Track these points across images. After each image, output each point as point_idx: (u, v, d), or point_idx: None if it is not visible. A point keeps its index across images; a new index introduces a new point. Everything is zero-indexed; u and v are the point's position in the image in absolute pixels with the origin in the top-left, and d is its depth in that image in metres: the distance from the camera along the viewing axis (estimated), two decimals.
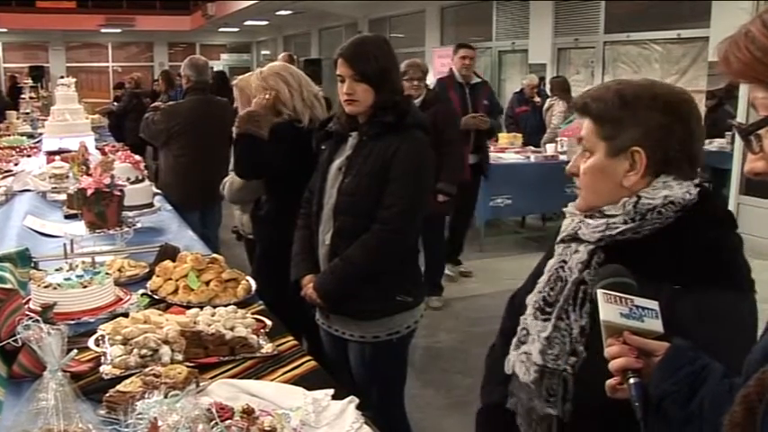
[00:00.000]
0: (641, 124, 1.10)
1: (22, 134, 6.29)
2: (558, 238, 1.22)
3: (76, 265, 2.09)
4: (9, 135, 6.11)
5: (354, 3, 11.69)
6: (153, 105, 4.99)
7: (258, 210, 2.78)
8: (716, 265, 1.06)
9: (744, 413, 0.71)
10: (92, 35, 18.62)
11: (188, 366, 1.56)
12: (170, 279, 2.18)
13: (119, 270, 2.35)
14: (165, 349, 1.64)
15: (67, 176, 3.66)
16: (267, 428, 1.30)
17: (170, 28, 18.56)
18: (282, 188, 2.59)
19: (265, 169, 2.60)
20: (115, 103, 9.33)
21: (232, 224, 3.37)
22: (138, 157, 3.33)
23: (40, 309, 1.75)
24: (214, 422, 1.22)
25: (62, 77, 6.38)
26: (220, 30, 18.22)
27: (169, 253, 2.38)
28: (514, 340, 1.22)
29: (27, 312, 1.61)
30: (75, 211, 2.95)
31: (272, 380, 1.63)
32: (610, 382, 0.96)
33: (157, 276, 2.22)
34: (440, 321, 4.30)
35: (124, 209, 2.51)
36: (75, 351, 1.42)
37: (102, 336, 1.75)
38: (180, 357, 1.64)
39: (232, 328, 1.77)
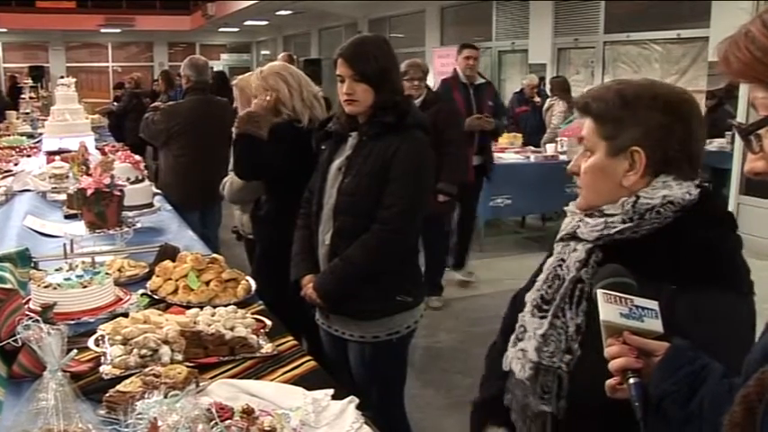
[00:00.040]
0: (641, 124, 1.10)
1: (21, 134, 6.29)
2: (558, 237, 1.23)
3: (76, 265, 2.09)
4: (9, 135, 6.11)
5: (354, 3, 11.70)
6: (153, 105, 4.99)
7: (258, 210, 2.78)
8: (713, 266, 1.06)
9: (743, 413, 0.71)
10: (92, 35, 18.62)
11: (188, 366, 1.56)
12: (170, 279, 2.18)
13: (119, 270, 2.35)
14: (165, 349, 1.64)
15: (67, 176, 3.66)
16: (267, 428, 1.30)
17: (170, 28, 18.56)
18: (282, 188, 2.59)
19: (265, 170, 2.60)
20: (115, 103, 9.33)
21: (232, 224, 3.37)
22: (137, 157, 3.33)
23: (39, 309, 1.75)
24: (214, 422, 1.22)
25: (62, 77, 6.38)
26: (220, 30, 18.22)
27: (169, 253, 2.38)
28: (512, 337, 1.23)
29: (27, 312, 1.61)
30: (75, 211, 2.95)
31: (271, 380, 1.63)
32: (610, 382, 0.96)
33: (157, 276, 2.22)
34: (440, 321, 4.30)
35: (124, 209, 2.51)
36: (75, 351, 1.42)
37: (102, 336, 1.75)
38: (180, 357, 1.64)
39: (232, 328, 1.77)
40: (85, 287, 1.95)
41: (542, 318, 1.17)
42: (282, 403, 1.45)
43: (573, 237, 1.18)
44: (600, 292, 0.98)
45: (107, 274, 2.08)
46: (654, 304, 0.97)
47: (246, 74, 3.25)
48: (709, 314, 1.03)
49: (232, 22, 16.07)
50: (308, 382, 1.60)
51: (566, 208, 1.23)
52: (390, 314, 2.07)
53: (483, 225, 5.86)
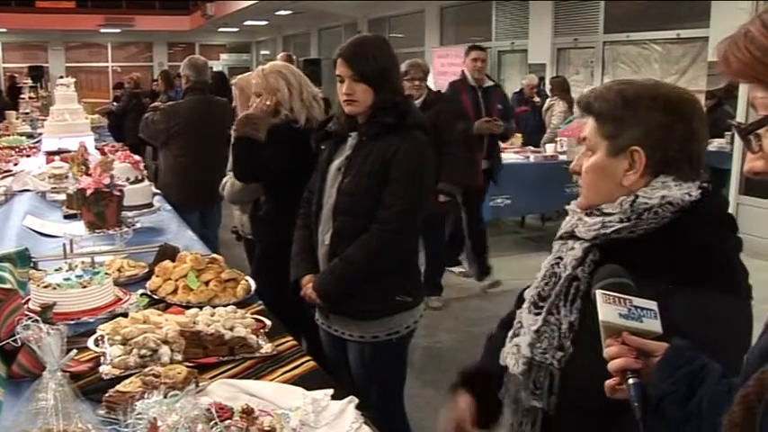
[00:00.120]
0: (642, 124, 1.10)
1: (21, 134, 6.29)
2: (557, 235, 1.24)
3: (76, 266, 2.09)
4: (8, 135, 6.11)
5: (354, 3, 11.70)
6: (152, 105, 5.00)
7: (257, 210, 2.78)
8: (709, 266, 1.06)
9: (743, 413, 0.71)
10: (91, 35, 18.62)
11: (187, 366, 1.56)
12: (169, 279, 2.18)
13: (118, 270, 2.35)
14: (165, 349, 1.64)
15: (67, 176, 3.66)
16: (266, 428, 1.30)
17: (169, 28, 18.56)
18: (281, 189, 2.59)
19: (263, 172, 2.61)
20: (114, 103, 9.33)
21: (231, 224, 3.37)
22: (137, 157, 3.33)
23: (39, 309, 1.75)
24: (213, 422, 1.22)
25: (61, 77, 6.38)
26: (220, 30, 18.22)
27: (168, 253, 2.38)
28: (510, 333, 1.24)
29: (26, 312, 1.61)
30: (74, 212, 2.95)
31: (271, 380, 1.63)
32: (609, 382, 0.96)
33: (157, 276, 2.22)
34: (440, 321, 4.30)
35: (123, 209, 2.51)
36: (75, 351, 1.42)
37: (102, 336, 1.75)
38: (179, 357, 1.64)
39: (231, 328, 1.77)
40: (85, 287, 1.95)
41: (537, 314, 1.18)
42: (282, 403, 1.46)
43: (571, 235, 1.19)
44: (599, 293, 0.98)
45: (106, 274, 2.08)
46: (653, 305, 0.97)
47: (246, 73, 3.26)
48: (705, 315, 1.03)
49: (231, 22, 16.07)
50: (307, 382, 1.60)
51: (567, 207, 1.24)
52: (390, 314, 2.07)
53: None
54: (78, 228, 2.48)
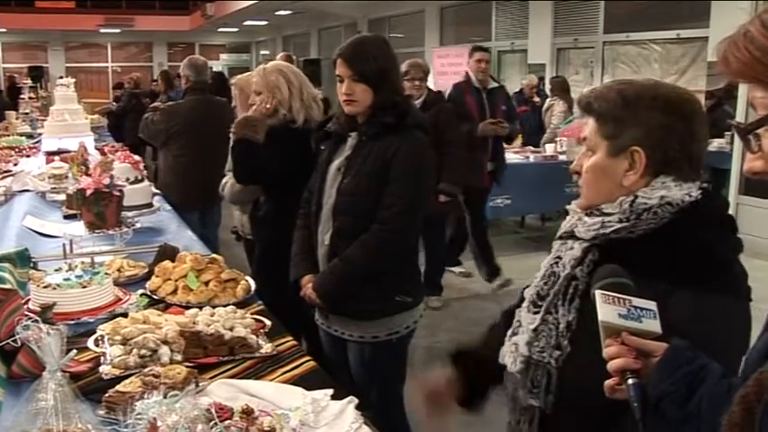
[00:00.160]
0: (642, 124, 1.10)
1: (21, 134, 6.29)
2: (557, 235, 1.24)
3: (76, 266, 2.09)
4: (8, 135, 6.11)
5: (354, 3, 11.70)
6: (152, 105, 4.99)
7: (257, 211, 2.78)
8: (708, 266, 1.06)
9: (742, 413, 0.71)
10: (91, 35, 18.61)
11: (187, 366, 1.56)
12: (169, 279, 2.18)
13: (118, 270, 2.35)
14: (165, 349, 1.64)
15: (67, 177, 3.66)
16: (266, 429, 1.30)
17: (169, 28, 18.56)
18: (281, 189, 2.59)
19: (262, 175, 2.61)
20: (114, 104, 9.33)
21: (231, 224, 3.36)
22: (137, 158, 3.33)
23: (39, 309, 1.75)
24: (213, 422, 1.22)
25: (61, 78, 6.38)
26: (219, 30, 18.22)
27: (168, 253, 2.38)
28: (509, 332, 1.25)
29: (26, 312, 1.61)
30: (74, 212, 2.95)
31: (271, 380, 1.63)
32: (608, 382, 0.96)
33: (157, 276, 2.22)
34: (439, 321, 4.30)
35: (123, 209, 2.51)
36: (75, 351, 1.42)
37: (102, 336, 1.75)
38: (179, 357, 1.64)
39: (231, 329, 1.77)
40: (85, 287, 1.95)
41: (536, 313, 1.19)
42: (282, 403, 1.46)
43: (571, 235, 1.19)
44: (598, 293, 0.98)
45: (106, 274, 2.08)
46: (652, 305, 0.97)
47: (246, 73, 3.26)
48: (704, 316, 1.03)
49: (231, 22, 16.07)
50: (307, 382, 1.60)
51: (567, 206, 1.24)
52: (390, 314, 2.07)
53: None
54: (78, 228, 2.48)
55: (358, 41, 2.10)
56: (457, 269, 5.22)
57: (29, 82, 8.92)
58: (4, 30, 17.29)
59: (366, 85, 2.00)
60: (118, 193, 2.42)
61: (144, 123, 4.33)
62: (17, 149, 5.29)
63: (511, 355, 1.21)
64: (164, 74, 8.01)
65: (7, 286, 1.84)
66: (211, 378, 1.60)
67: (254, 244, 2.91)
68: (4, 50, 18.94)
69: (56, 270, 2.08)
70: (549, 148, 6.43)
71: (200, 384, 1.51)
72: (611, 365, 0.95)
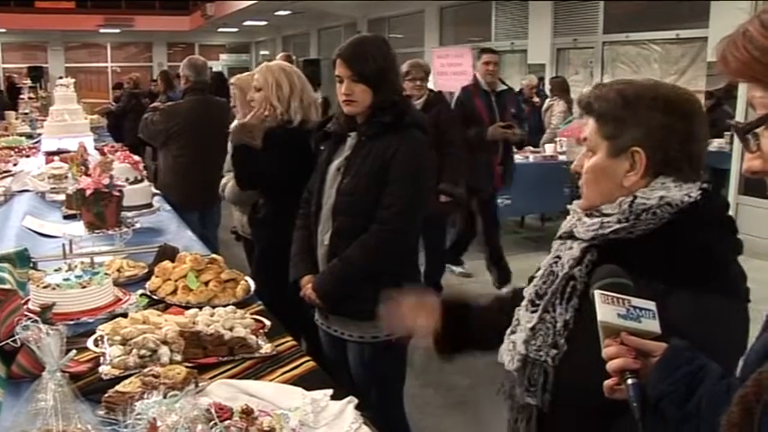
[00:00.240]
0: (642, 124, 1.10)
1: (20, 134, 6.29)
2: (557, 235, 1.24)
3: (75, 266, 2.09)
4: (8, 135, 6.11)
5: (353, 3, 11.70)
6: (152, 106, 4.99)
7: (255, 212, 2.79)
8: (708, 267, 1.06)
9: (741, 413, 0.71)
10: (91, 35, 18.61)
11: (187, 367, 1.56)
12: (169, 279, 2.18)
13: (118, 270, 2.35)
14: (164, 350, 1.64)
15: (66, 177, 3.66)
16: (266, 429, 1.30)
17: (169, 28, 18.55)
18: (279, 190, 2.60)
19: (262, 179, 2.63)
20: (114, 104, 9.32)
21: (231, 224, 3.37)
22: (137, 158, 3.33)
23: (38, 309, 1.75)
24: (213, 422, 1.23)
25: (61, 78, 6.38)
26: (219, 30, 18.21)
27: (168, 253, 2.38)
28: (508, 330, 1.25)
29: (26, 313, 1.61)
30: (73, 212, 2.95)
31: (270, 380, 1.63)
32: (608, 382, 0.96)
33: (156, 277, 2.22)
34: None
35: (123, 209, 2.52)
36: (74, 351, 1.42)
37: (101, 336, 1.75)
38: (179, 358, 1.64)
39: (231, 329, 1.77)
40: (84, 287, 1.95)
41: (534, 312, 1.19)
42: (281, 403, 1.46)
43: (570, 235, 1.19)
44: (597, 293, 0.98)
45: (106, 274, 2.08)
46: (651, 305, 0.97)
47: (245, 73, 3.26)
48: (703, 317, 1.03)
49: (231, 22, 16.07)
50: (307, 382, 1.60)
51: (568, 206, 1.24)
52: None
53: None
54: (78, 228, 2.48)
55: (357, 42, 2.10)
56: (457, 269, 5.22)
57: (28, 82, 8.92)
58: (4, 30, 17.28)
59: (365, 86, 2.00)
60: (117, 194, 2.42)
61: (143, 123, 4.33)
62: (17, 149, 5.28)
63: (508, 353, 1.21)
64: (163, 74, 8.00)
65: (7, 286, 1.84)
66: (211, 378, 1.60)
67: (253, 244, 2.91)
68: (3, 51, 18.93)
69: (55, 270, 2.08)
70: (549, 149, 6.43)
71: (200, 384, 1.51)
72: (611, 365, 0.95)
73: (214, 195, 3.37)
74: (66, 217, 3.13)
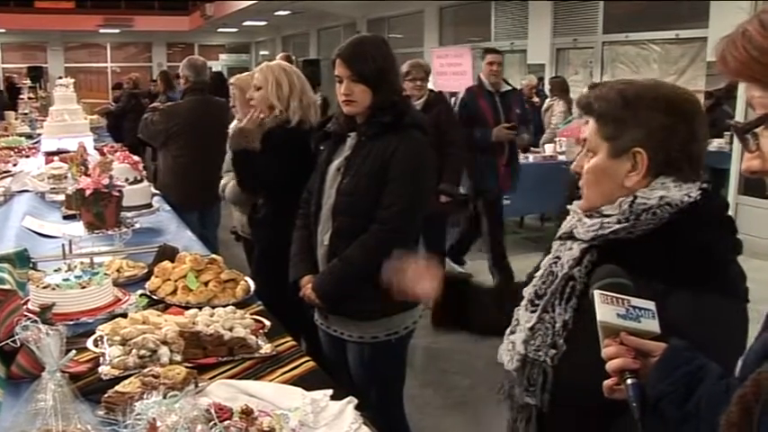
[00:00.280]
0: (643, 125, 1.10)
1: (20, 135, 6.29)
2: (557, 235, 1.24)
3: (75, 266, 2.09)
4: (7, 136, 6.11)
5: (353, 3, 11.70)
6: (151, 106, 4.99)
7: (255, 213, 2.79)
8: (707, 267, 1.06)
9: (740, 413, 0.71)
10: (90, 35, 18.61)
11: (187, 367, 1.56)
12: (169, 280, 2.18)
13: (117, 270, 2.35)
14: (164, 350, 1.64)
15: (66, 177, 3.66)
16: (266, 429, 1.30)
17: (168, 28, 18.55)
18: (279, 190, 2.60)
19: (262, 183, 2.65)
20: (113, 104, 9.32)
21: (231, 224, 3.37)
22: (136, 158, 3.33)
23: (38, 309, 1.75)
24: (213, 423, 1.23)
25: (60, 78, 6.38)
26: (219, 30, 18.21)
27: (168, 253, 2.38)
28: (507, 330, 1.25)
29: (25, 313, 1.61)
30: (73, 212, 2.95)
31: (270, 380, 1.63)
32: (607, 382, 0.97)
33: (156, 277, 2.22)
34: None
35: (123, 209, 2.52)
36: (74, 352, 1.42)
37: (101, 336, 1.75)
38: (178, 358, 1.64)
39: (231, 329, 1.77)
40: (84, 288, 1.95)
41: (533, 312, 1.19)
42: (281, 404, 1.46)
43: (570, 236, 1.19)
44: (597, 293, 0.98)
45: (106, 274, 2.08)
46: (651, 305, 0.97)
47: (245, 73, 3.26)
48: (702, 317, 1.03)
49: (231, 22, 16.07)
50: (306, 382, 1.60)
51: (569, 206, 1.24)
52: (389, 315, 2.07)
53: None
54: (77, 228, 2.48)
55: (357, 42, 2.10)
56: (459, 269, 5.22)
57: (28, 82, 8.92)
58: (4, 30, 17.28)
59: (365, 86, 2.00)
60: (117, 194, 2.42)
61: (143, 124, 4.33)
62: (16, 150, 5.28)
63: (508, 353, 1.22)
64: (163, 74, 8.00)
65: (6, 287, 1.84)
66: (211, 378, 1.60)
67: (253, 244, 2.92)
68: (3, 51, 18.92)
69: (55, 270, 2.08)
70: (549, 149, 6.43)
71: (200, 385, 1.51)
72: (610, 365, 0.95)
73: (214, 195, 3.37)
74: (66, 217, 3.13)
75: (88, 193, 2.35)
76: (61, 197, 3.39)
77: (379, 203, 2.00)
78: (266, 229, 2.70)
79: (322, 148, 2.19)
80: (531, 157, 6.24)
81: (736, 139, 5.11)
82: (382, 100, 2.01)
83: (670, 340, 0.95)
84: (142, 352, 1.62)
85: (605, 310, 0.97)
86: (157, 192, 3.67)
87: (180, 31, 18.71)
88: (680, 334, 0.96)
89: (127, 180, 2.88)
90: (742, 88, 0.80)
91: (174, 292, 2.13)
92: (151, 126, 4.24)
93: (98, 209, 2.36)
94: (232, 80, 3.33)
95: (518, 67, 9.70)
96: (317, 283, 2.09)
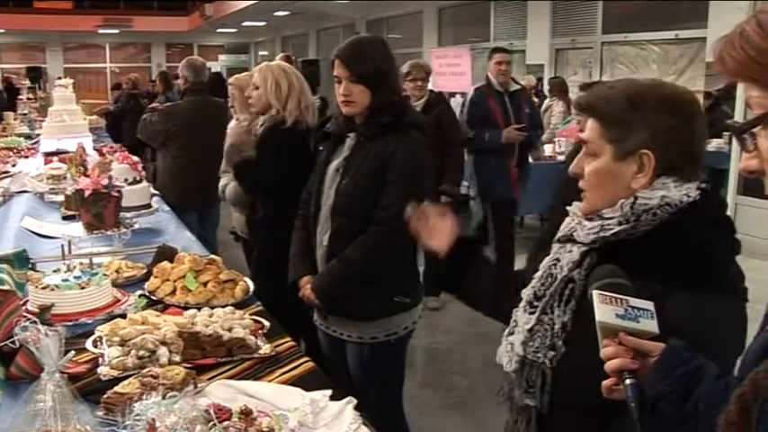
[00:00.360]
0: (649, 126, 1.09)
1: (19, 135, 6.29)
2: (555, 238, 1.23)
3: (74, 267, 2.09)
4: (6, 136, 6.11)
5: (352, 3, 11.70)
6: (150, 106, 4.99)
7: (254, 214, 2.79)
8: (707, 267, 1.06)
9: (739, 412, 0.71)
10: (89, 36, 18.60)
11: (186, 367, 1.56)
12: (168, 280, 2.18)
13: (116, 271, 2.35)
14: (163, 350, 1.64)
15: (65, 177, 3.66)
16: (265, 429, 1.30)
17: (168, 29, 18.55)
18: (278, 191, 2.60)
19: (261, 182, 2.68)
20: (113, 104, 9.32)
21: (230, 225, 3.37)
22: (135, 158, 3.33)
23: (37, 310, 1.75)
24: (212, 423, 1.22)
25: (60, 78, 6.38)
26: (218, 30, 18.21)
27: (167, 254, 2.38)
28: (506, 331, 1.25)
29: (24, 314, 1.61)
30: (72, 213, 2.95)
31: (269, 381, 1.63)
32: (606, 382, 0.97)
33: (155, 277, 2.21)
34: (438, 322, 4.30)
35: (122, 210, 2.52)
36: (73, 352, 1.42)
37: (100, 337, 1.75)
38: (178, 358, 1.64)
39: (230, 329, 1.77)
40: (83, 288, 1.95)
41: (532, 313, 1.19)
42: (280, 404, 1.46)
43: (569, 239, 1.18)
44: (595, 293, 0.98)
45: (105, 275, 2.08)
46: (649, 305, 0.97)
47: (244, 73, 3.27)
48: (701, 317, 1.03)
49: (230, 22, 16.07)
50: (306, 382, 1.60)
51: (568, 208, 1.23)
52: (388, 315, 2.07)
53: (475, 224, 5.86)
54: (76, 229, 2.48)
55: (356, 42, 2.11)
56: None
57: (27, 83, 8.93)
58: (2, 30, 17.26)
59: (364, 86, 2.00)
60: (116, 194, 2.42)
61: (142, 124, 4.33)
62: (15, 150, 5.28)
63: (507, 354, 1.22)
64: (162, 75, 8.00)
65: (5, 287, 1.84)
66: (210, 379, 1.60)
67: (252, 245, 2.92)
68: (2, 51, 18.90)
69: (54, 271, 2.08)
70: (548, 149, 6.43)
71: (199, 385, 1.51)
72: (609, 365, 0.95)
73: (213, 196, 3.37)
74: (65, 218, 3.13)
75: (87, 193, 2.35)
76: (60, 198, 3.38)
77: (377, 204, 2.00)
78: (265, 229, 2.70)
79: (321, 148, 2.19)
80: (530, 158, 6.23)
81: (734, 139, 5.09)
82: (381, 100, 2.01)
83: (669, 340, 0.95)
84: (141, 352, 1.62)
85: (604, 310, 0.97)
86: (156, 192, 3.67)
87: (179, 32, 18.70)
88: (679, 334, 0.96)
89: (126, 180, 2.88)
90: (741, 88, 0.80)
91: (173, 293, 2.13)
92: (150, 126, 4.24)
93: (97, 209, 2.36)
94: (231, 80, 3.33)
95: (517, 67, 9.68)
96: (316, 283, 2.09)
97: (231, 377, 1.63)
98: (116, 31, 18.18)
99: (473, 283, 1.42)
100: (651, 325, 0.96)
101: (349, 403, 1.48)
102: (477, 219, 4.83)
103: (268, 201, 2.70)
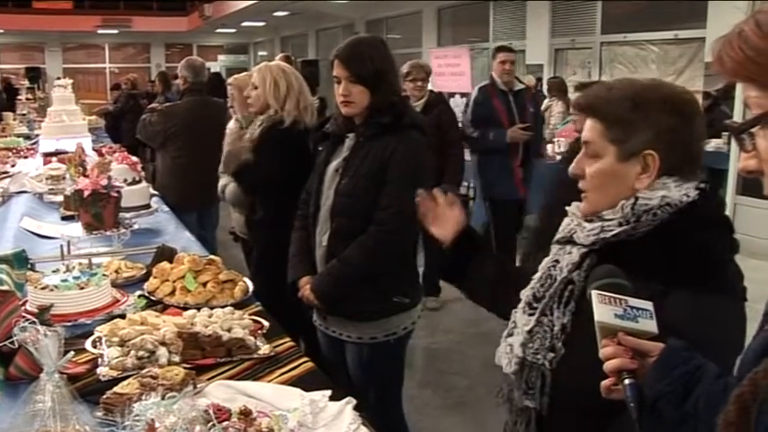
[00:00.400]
0: (653, 127, 1.09)
1: (18, 135, 6.28)
2: (555, 239, 1.23)
3: (73, 267, 2.09)
4: (5, 136, 6.11)
5: (351, 4, 11.70)
6: (150, 107, 4.99)
7: (253, 214, 2.80)
8: (706, 267, 1.06)
9: (738, 412, 0.71)
10: (88, 36, 18.59)
11: (185, 368, 1.56)
12: (167, 280, 2.18)
13: (116, 271, 2.35)
14: (163, 351, 1.63)
15: (64, 178, 3.66)
16: (264, 430, 1.30)
17: (167, 29, 18.55)
18: (277, 191, 2.60)
19: (260, 183, 2.70)
20: (112, 105, 9.31)
21: (229, 225, 3.37)
22: (135, 159, 3.33)
23: (36, 310, 1.75)
24: (211, 424, 1.22)
25: (59, 78, 6.37)
26: (217, 31, 18.21)
27: (166, 254, 2.38)
28: (505, 333, 1.25)
29: (24, 314, 1.61)
30: (71, 213, 2.95)
31: (269, 381, 1.63)
32: (605, 382, 0.97)
33: (154, 278, 2.21)
34: (437, 322, 4.30)
35: (121, 210, 2.51)
36: (72, 353, 1.42)
37: (99, 337, 1.75)
38: (177, 359, 1.64)
39: (229, 330, 1.77)
40: (82, 289, 1.95)
41: (531, 315, 1.19)
42: (280, 404, 1.46)
43: (569, 240, 1.18)
44: (594, 293, 0.98)
45: (104, 275, 2.08)
46: (648, 305, 0.97)
47: (243, 73, 3.27)
48: (701, 317, 1.03)
49: (229, 23, 16.07)
50: (305, 383, 1.60)
51: (568, 208, 1.23)
52: (388, 315, 2.07)
53: (481, 226, 5.86)
54: (76, 229, 2.48)
55: (355, 43, 2.11)
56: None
57: (26, 83, 8.93)
58: (1, 30, 17.25)
59: (363, 87, 2.00)
60: (115, 195, 2.42)
61: (141, 124, 4.33)
62: (14, 151, 5.28)
63: (506, 356, 1.21)
64: (161, 75, 8.00)
65: (5, 288, 1.84)
66: (209, 379, 1.60)
67: (251, 245, 2.92)
68: (1, 51, 18.89)
69: (53, 271, 2.08)
70: (548, 149, 6.42)
71: (198, 386, 1.51)
72: (608, 366, 0.95)
73: (212, 196, 3.37)
74: (64, 218, 3.13)
75: (86, 193, 2.35)
76: (59, 198, 3.38)
77: (377, 204, 2.00)
78: (264, 230, 2.71)
79: (320, 148, 2.19)
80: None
81: (733, 139, 5.09)
82: (380, 101, 2.01)
83: (668, 340, 0.95)
84: (140, 353, 1.62)
85: (603, 310, 0.97)
86: (156, 192, 3.67)
87: (178, 32, 18.70)
88: (678, 334, 0.96)
89: (125, 181, 2.88)
90: (740, 88, 0.80)
91: (172, 293, 2.13)
92: (149, 127, 4.24)
93: (96, 210, 2.36)
94: (230, 80, 3.33)
95: (516, 67, 9.69)
96: (315, 283, 2.09)
97: (230, 377, 1.63)
98: (115, 31, 18.17)
99: (477, 271, 1.41)
100: (650, 325, 0.96)
101: (348, 403, 1.48)
102: (480, 219, 4.83)
103: (267, 201, 2.70)
